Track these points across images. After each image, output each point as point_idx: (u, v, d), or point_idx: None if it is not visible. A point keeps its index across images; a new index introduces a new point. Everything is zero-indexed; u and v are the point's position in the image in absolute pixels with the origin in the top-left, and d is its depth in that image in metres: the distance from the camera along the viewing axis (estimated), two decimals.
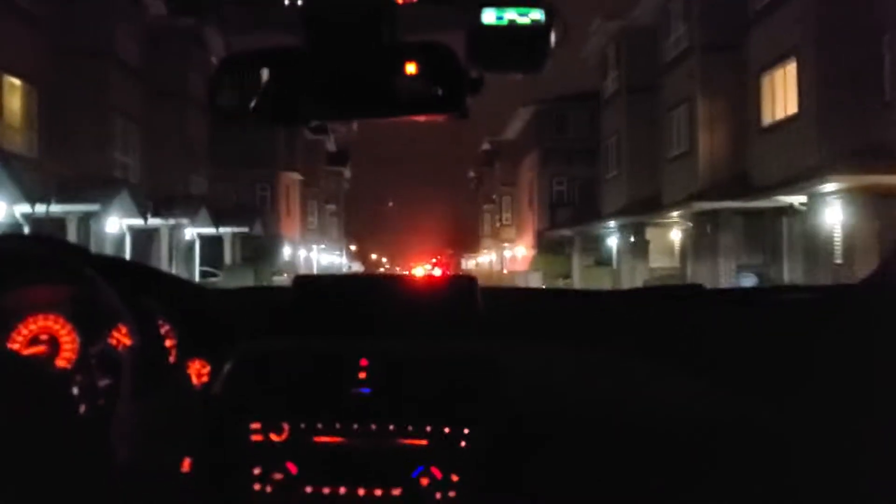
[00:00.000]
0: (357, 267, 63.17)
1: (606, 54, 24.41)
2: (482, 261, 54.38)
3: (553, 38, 1.04)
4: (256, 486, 1.28)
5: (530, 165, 34.34)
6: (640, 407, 1.37)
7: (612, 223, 22.92)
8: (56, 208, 14.70)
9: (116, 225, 18.33)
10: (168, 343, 1.35)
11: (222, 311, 1.64)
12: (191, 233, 22.91)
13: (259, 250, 28.76)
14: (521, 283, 30.58)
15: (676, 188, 19.20)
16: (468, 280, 1.64)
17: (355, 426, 1.29)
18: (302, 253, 37.39)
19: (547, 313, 1.71)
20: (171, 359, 1.35)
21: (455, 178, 57.81)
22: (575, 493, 1.29)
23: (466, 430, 1.28)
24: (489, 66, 1.08)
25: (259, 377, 1.36)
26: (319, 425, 1.29)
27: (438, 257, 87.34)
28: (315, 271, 41.35)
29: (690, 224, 18.12)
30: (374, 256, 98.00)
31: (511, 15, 1.02)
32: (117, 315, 1.24)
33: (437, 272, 69.92)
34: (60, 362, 1.30)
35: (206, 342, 1.43)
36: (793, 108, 14.65)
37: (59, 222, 15.69)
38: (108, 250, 18.08)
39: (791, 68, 14.70)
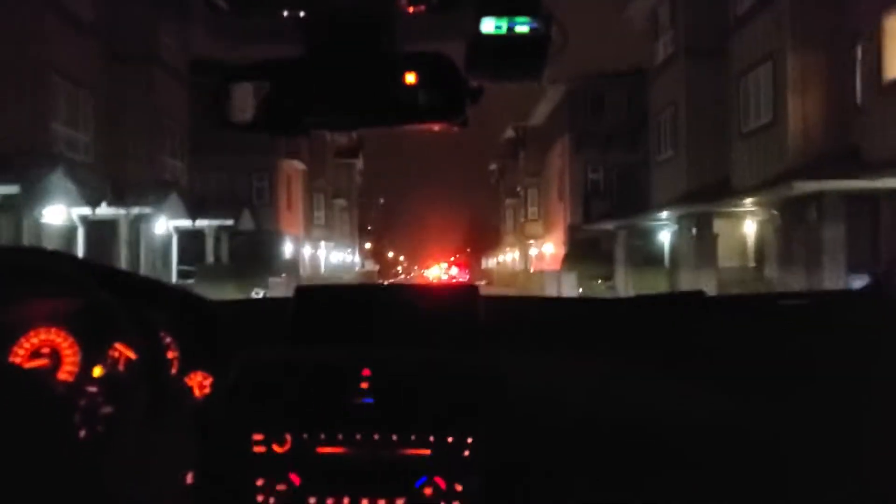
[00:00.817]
0: (371, 266, 59.75)
1: (657, 12, 20.58)
2: (504, 259, 50.64)
3: (552, 45, 1.04)
4: (259, 498, 1.29)
5: (560, 152, 30.55)
6: (644, 414, 1.37)
7: (665, 214, 19.10)
8: None
9: (61, 214, 14.84)
10: (170, 355, 1.37)
11: (224, 323, 1.60)
12: (166, 226, 19.42)
13: (251, 247, 25.27)
14: (552, 285, 26.86)
15: (753, 169, 15.40)
16: (470, 289, 1.62)
17: (358, 437, 1.30)
18: (306, 251, 33.85)
19: (547, 322, 1.70)
20: (173, 371, 1.37)
21: (475, 170, 54.11)
22: (579, 501, 1.30)
23: (469, 440, 1.28)
24: (488, 75, 1.09)
25: (261, 388, 1.37)
26: (322, 436, 1.31)
27: (456, 256, 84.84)
28: (322, 271, 37.90)
29: (777, 213, 14.31)
30: (390, 255, 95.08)
31: (510, 24, 1.02)
32: (119, 327, 1.24)
33: (454, 271, 67.91)
34: (62, 375, 1.30)
35: (209, 354, 1.44)
36: None
37: None
38: (51, 246, 14.58)
39: None
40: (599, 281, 21.95)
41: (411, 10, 1.06)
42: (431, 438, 1.29)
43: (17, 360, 1.31)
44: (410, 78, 1.07)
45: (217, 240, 21.12)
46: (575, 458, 1.31)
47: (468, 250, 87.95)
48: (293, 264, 28.08)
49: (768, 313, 1.71)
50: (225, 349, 1.45)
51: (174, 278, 19.86)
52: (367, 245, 66.90)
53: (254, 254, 26.69)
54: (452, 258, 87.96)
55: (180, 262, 20.20)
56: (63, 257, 1.27)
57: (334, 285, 1.92)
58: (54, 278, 1.27)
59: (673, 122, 19.48)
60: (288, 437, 1.31)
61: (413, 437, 1.29)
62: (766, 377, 1.42)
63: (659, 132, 20.75)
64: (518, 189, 39.91)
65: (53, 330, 1.33)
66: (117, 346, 1.29)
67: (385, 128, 1.15)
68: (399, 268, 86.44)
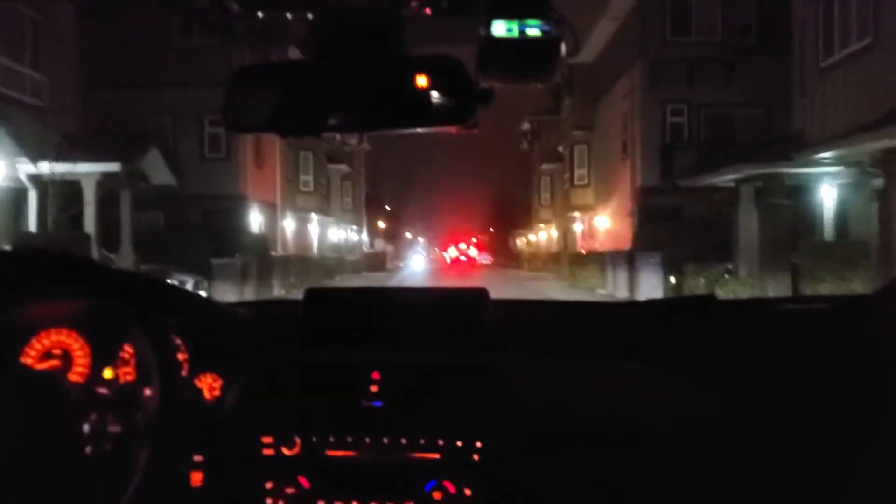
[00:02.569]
0: (382, 246, 52.15)
1: None
2: (537, 239, 42.71)
3: (563, 48, 1.04)
4: (269, 501, 1.29)
5: (626, 91, 22.51)
6: (652, 419, 1.36)
7: (831, 155, 11.10)
8: None
9: None
10: (180, 357, 1.36)
11: (235, 325, 1.60)
12: (8, 171, 11.81)
13: (183, 213, 17.75)
14: (619, 274, 19.02)
15: None
16: (479, 293, 1.58)
17: (367, 440, 1.31)
18: (288, 224, 26.17)
19: (557, 326, 1.67)
20: (183, 373, 1.36)
21: (502, 135, 45.78)
22: None
23: (479, 444, 1.29)
24: (499, 77, 1.08)
25: (271, 391, 1.38)
26: (331, 439, 1.31)
27: (476, 238, 78.13)
28: (315, 250, 30.31)
29: None
30: (408, 235, 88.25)
31: (521, 27, 1.02)
32: (129, 329, 1.25)
33: (474, 252, 61.42)
34: (73, 376, 1.29)
35: (219, 356, 1.43)
36: None
37: None
38: None
39: None
40: (720, 269, 13.98)
41: (423, 11, 1.04)
42: (441, 442, 1.29)
43: (29, 361, 1.31)
44: (421, 80, 1.06)
45: (109, 200, 13.39)
46: (583, 462, 1.31)
47: (491, 230, 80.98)
48: (260, 240, 20.43)
49: (781, 318, 1.69)
50: (236, 351, 1.45)
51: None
52: (381, 224, 59.33)
53: (192, 223, 19.21)
54: (475, 239, 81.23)
55: (46, 230, 12.59)
56: (74, 259, 1.26)
57: (345, 288, 1.66)
58: (65, 280, 1.27)
59: None
60: (297, 439, 1.31)
61: (422, 441, 1.30)
62: (777, 384, 1.38)
63: (827, 18, 12.58)
64: (560, 149, 31.84)
65: (64, 331, 1.33)
66: (127, 347, 1.29)
67: (395, 130, 1.15)
68: (420, 248, 79.67)
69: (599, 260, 21.69)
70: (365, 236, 44.92)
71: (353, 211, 39.15)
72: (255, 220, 21.90)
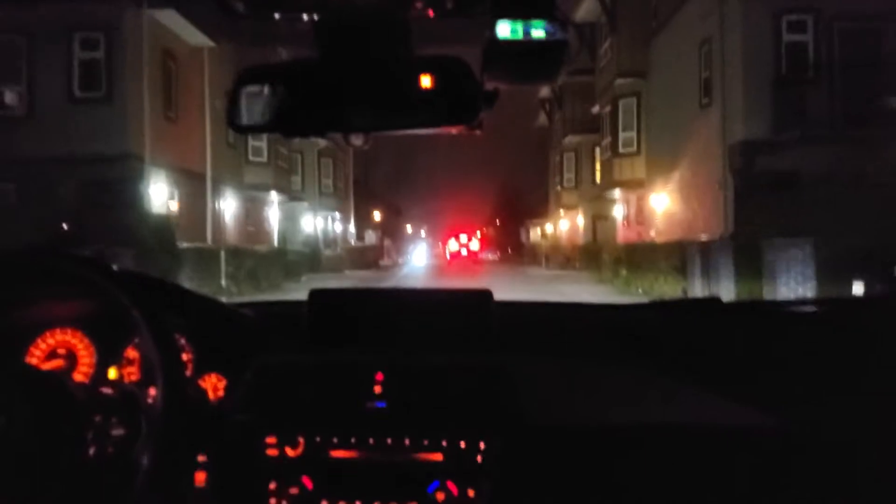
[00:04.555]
0: (374, 239, 45.00)
1: None
2: (556, 230, 35.48)
3: (568, 48, 1.03)
4: (272, 501, 1.29)
5: (709, 5, 15.29)
6: (656, 420, 1.36)
7: None
8: None
9: None
10: (184, 357, 1.36)
11: (239, 326, 1.61)
12: None
13: None
14: (721, 273, 11.88)
15: None
16: (483, 294, 1.56)
17: (371, 440, 1.31)
18: (229, 205, 19.01)
19: (561, 327, 1.67)
20: (188, 373, 1.37)
21: (513, 114, 38.48)
22: None
23: (482, 445, 1.29)
24: (504, 78, 1.08)
25: (275, 391, 1.38)
26: (335, 439, 1.31)
27: (480, 230, 72.01)
28: (275, 241, 23.20)
29: None
30: (409, 229, 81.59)
31: (525, 28, 1.02)
32: (134, 329, 1.24)
33: (475, 246, 54.93)
34: (78, 376, 1.32)
35: (223, 356, 1.44)
36: None
37: None
38: None
39: None
40: None
41: (428, 13, 1.03)
42: (444, 443, 1.29)
43: (34, 360, 1.32)
44: (426, 81, 1.06)
45: None
46: (587, 464, 1.31)
47: (497, 222, 74.19)
48: (161, 224, 13.30)
49: (786, 320, 1.70)
50: (239, 352, 1.46)
51: None
52: (377, 215, 52.21)
53: (60, 196, 12.31)
54: (479, 233, 74.45)
55: None
56: (78, 259, 1.25)
57: (349, 289, 1.61)
58: (69, 280, 1.27)
59: None
60: (301, 440, 1.31)
61: (426, 442, 1.30)
62: (776, 382, 1.39)
63: None
64: (596, 109, 24.52)
65: (69, 331, 1.34)
66: (132, 347, 1.30)
67: (399, 131, 1.15)
68: (423, 242, 73.44)
69: (673, 254, 14.56)
70: (353, 227, 37.78)
71: (336, 196, 32.02)
72: (161, 194, 14.79)
